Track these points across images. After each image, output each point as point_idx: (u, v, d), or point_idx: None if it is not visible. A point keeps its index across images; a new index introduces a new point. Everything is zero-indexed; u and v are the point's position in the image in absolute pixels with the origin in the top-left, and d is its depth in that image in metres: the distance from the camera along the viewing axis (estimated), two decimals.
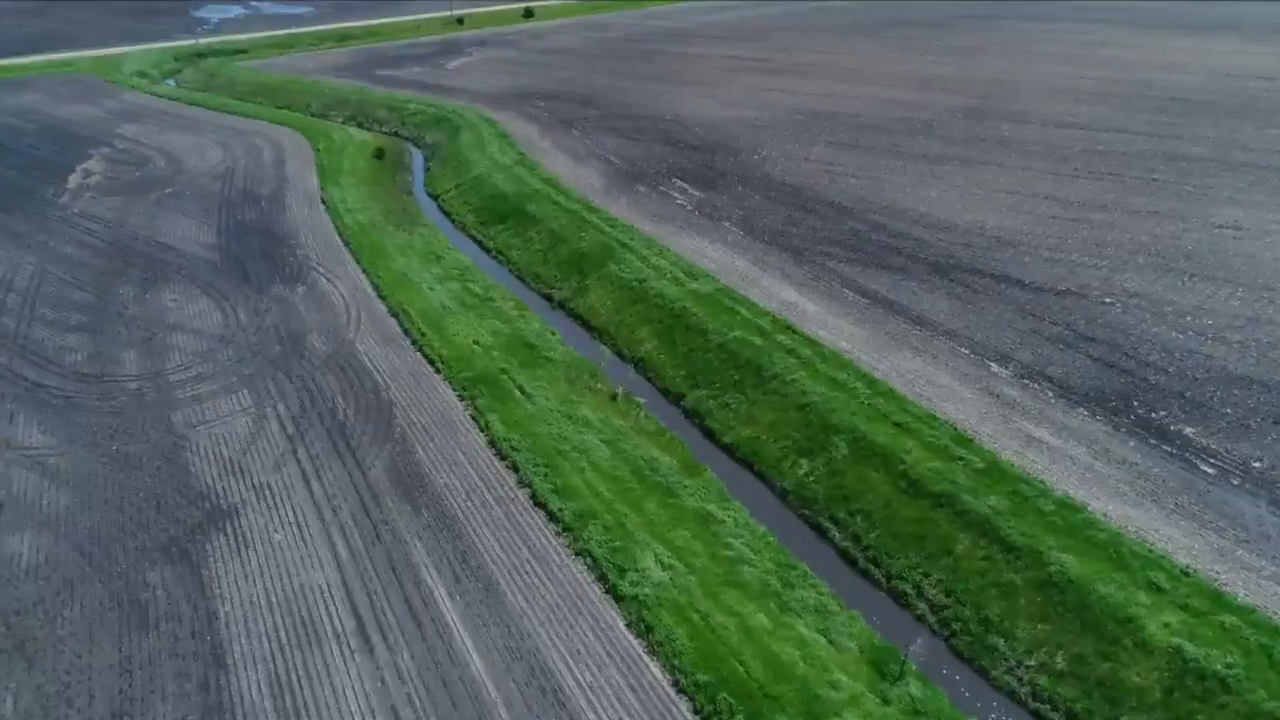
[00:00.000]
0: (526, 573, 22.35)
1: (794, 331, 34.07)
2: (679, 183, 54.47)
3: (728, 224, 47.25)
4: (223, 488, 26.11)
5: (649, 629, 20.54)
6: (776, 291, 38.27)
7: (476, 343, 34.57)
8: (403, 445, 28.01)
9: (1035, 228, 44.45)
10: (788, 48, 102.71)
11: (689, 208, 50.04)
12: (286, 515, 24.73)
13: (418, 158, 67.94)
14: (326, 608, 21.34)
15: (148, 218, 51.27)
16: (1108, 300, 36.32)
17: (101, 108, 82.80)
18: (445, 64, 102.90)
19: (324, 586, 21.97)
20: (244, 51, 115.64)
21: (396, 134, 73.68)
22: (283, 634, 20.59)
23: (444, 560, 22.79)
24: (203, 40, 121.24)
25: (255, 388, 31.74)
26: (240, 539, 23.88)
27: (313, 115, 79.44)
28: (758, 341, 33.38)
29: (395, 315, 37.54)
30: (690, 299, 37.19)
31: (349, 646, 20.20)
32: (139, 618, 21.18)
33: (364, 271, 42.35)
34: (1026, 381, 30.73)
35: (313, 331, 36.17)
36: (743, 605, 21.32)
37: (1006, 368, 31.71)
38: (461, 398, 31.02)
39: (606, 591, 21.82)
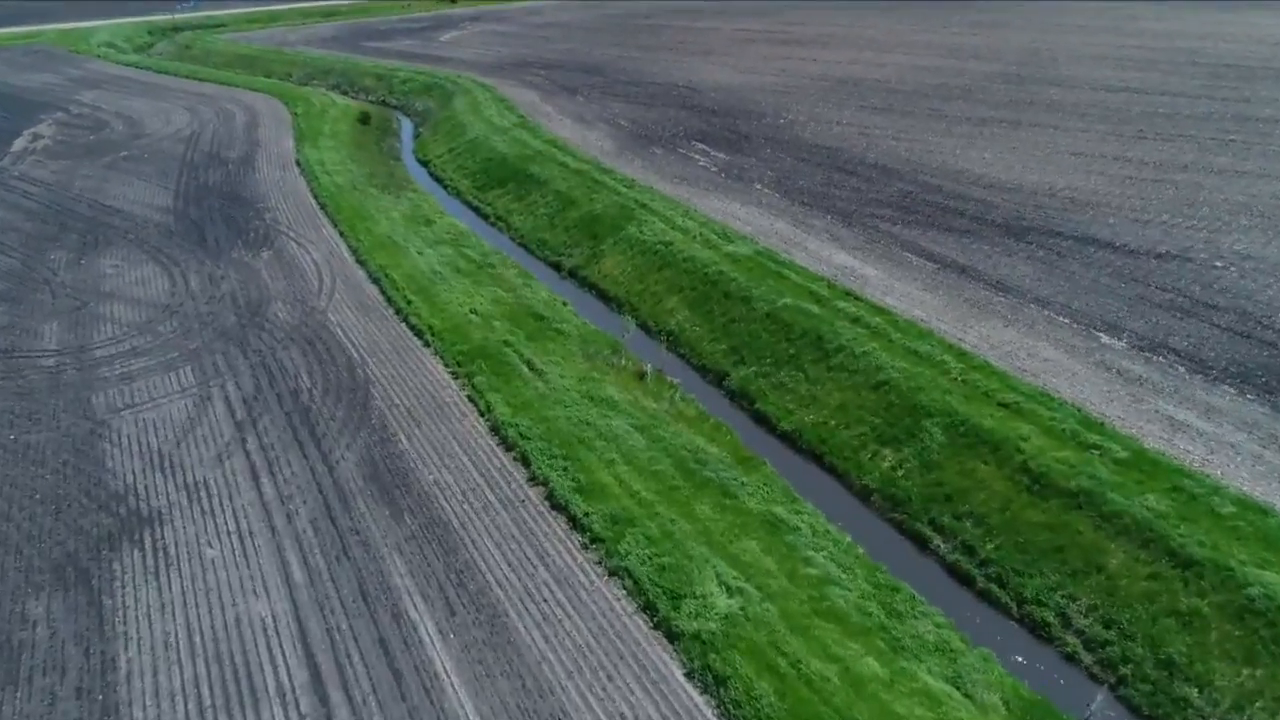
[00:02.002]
0: (545, 600, 16.56)
1: (857, 298, 28.41)
2: (699, 145, 48.75)
3: (759, 186, 41.59)
4: (146, 487, 20.17)
5: (720, 681, 14.79)
6: (827, 255, 32.61)
7: (474, 311, 28.70)
8: (381, 432, 22.16)
9: (1112, 188, 39.03)
10: (802, 21, 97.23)
11: (713, 170, 44.33)
12: (225, 523, 18.83)
13: (407, 126, 61.89)
14: (270, 652, 15.48)
15: (97, 181, 45.03)
16: (1219, 264, 30.86)
17: (62, 75, 76.24)
18: (437, 37, 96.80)
19: (268, 621, 16.11)
20: (222, 25, 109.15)
21: (384, 103, 67.64)
22: (205, 691, 14.71)
23: (433, 583, 16.98)
24: (179, 14, 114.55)
25: (201, 364, 25.78)
26: (161, 555, 17.96)
27: (294, 84, 73.31)
28: (815, 309, 27.69)
29: (376, 281, 31.60)
30: (727, 263, 31.45)
31: (298, 709, 14.36)
32: (6, 667, 15.24)
33: (341, 235, 36.36)
34: (1149, 355, 25.18)
35: (276, 300, 30.19)
36: (843, 645, 15.61)
37: (1120, 339, 26.16)
38: (456, 375, 25.15)
39: (655, 626, 16.05)
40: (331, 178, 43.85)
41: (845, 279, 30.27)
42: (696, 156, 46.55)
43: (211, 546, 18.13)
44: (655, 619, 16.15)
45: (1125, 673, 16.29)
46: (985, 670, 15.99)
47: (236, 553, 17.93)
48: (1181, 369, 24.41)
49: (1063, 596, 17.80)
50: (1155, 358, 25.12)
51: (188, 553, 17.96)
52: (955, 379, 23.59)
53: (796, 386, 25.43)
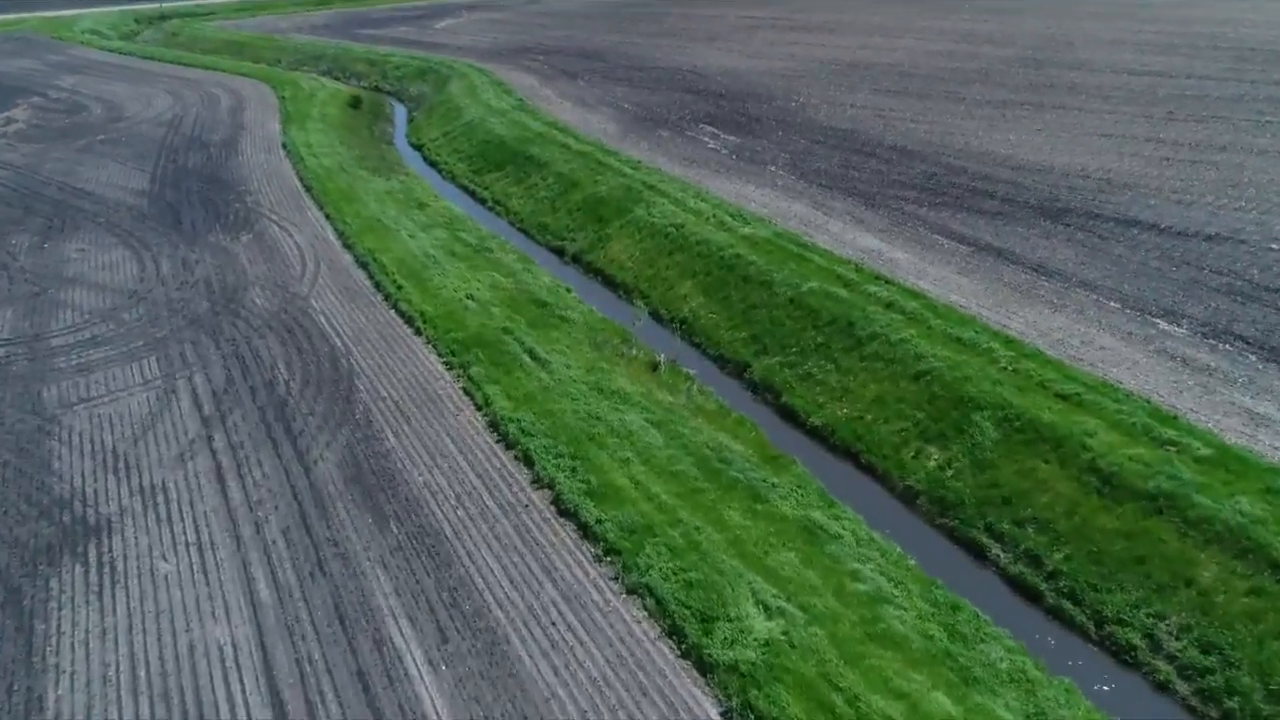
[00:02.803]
0: (553, 624, 14.18)
1: (888, 282, 26.07)
2: (708, 128, 46.37)
3: (773, 168, 39.24)
4: (95, 491, 17.73)
5: None
6: (851, 238, 30.27)
7: (470, 297, 26.28)
8: (366, 429, 19.74)
9: (1149, 169, 36.76)
10: (807, 9, 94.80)
11: (724, 152, 41.96)
12: (184, 533, 16.41)
13: (400, 111, 59.40)
14: (228, 687, 13.07)
15: (69, 164, 42.45)
16: (1275, 246, 28.51)
17: (42, 61, 73.49)
18: (433, 24, 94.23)
19: (228, 649, 13.70)
20: (212, 14, 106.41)
21: (377, 88, 65.05)
22: None
23: (422, 603, 14.59)
24: (167, 2, 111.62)
25: (167, 354, 23.31)
26: (107, 571, 15.54)
27: (283, 69, 70.65)
28: (843, 294, 25.35)
29: (364, 265, 29.15)
30: (744, 246, 29.09)
31: None
32: None
33: (327, 218, 33.86)
34: (1213, 342, 22.90)
35: (254, 285, 27.72)
36: (906, 676, 13.27)
37: (1179, 325, 23.88)
38: (450, 365, 22.72)
39: (684, 655, 13.68)
40: (319, 160, 41.34)
41: (873, 262, 27.93)
42: (705, 139, 44.18)
43: (166, 560, 15.70)
44: (683, 646, 13.77)
45: (1231, 706, 13.97)
46: (1070, 704, 13.66)
47: (194, 567, 15.50)
48: (1252, 357, 22.10)
49: (1148, 615, 15.48)
50: (1221, 345, 22.83)
51: (138, 568, 15.53)
52: (1005, 368, 21.26)
53: (826, 378, 23.09)
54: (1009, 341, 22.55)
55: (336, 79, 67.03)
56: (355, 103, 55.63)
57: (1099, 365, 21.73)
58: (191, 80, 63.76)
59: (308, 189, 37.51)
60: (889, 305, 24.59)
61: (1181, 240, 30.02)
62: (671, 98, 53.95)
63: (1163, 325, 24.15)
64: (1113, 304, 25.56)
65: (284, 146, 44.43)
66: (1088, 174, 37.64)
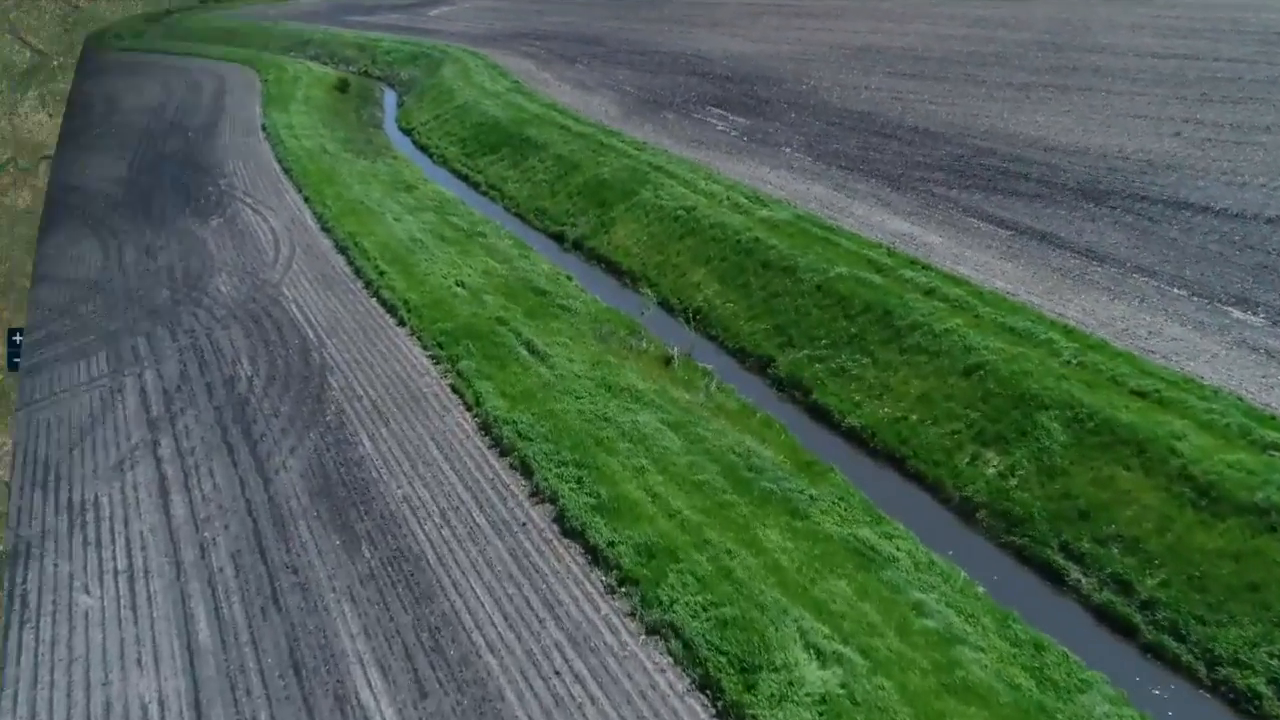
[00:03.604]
0: (557, 673, 11.56)
1: (925, 267, 23.51)
2: (716, 110, 43.71)
3: (788, 149, 36.64)
4: (17, 509, 15.06)
5: None
6: (878, 221, 27.70)
7: (460, 284, 23.63)
8: (338, 432, 17.10)
9: (1192, 150, 34.26)
10: None
11: (734, 134, 39.33)
12: (114, 558, 13.76)
13: (390, 96, 56.67)
14: None
15: None
16: None
17: None
18: (425, 11, 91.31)
19: (153, 708, 11.06)
20: (201, 3, 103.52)
21: (366, 73, 62.23)
22: None
23: (397, 647, 11.96)
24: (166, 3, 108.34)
25: (118, 348, 20.63)
26: (16, 608, 12.86)
27: (270, 55, 67.78)
28: (876, 280, 22.77)
29: (343, 250, 26.46)
30: (763, 229, 26.48)
31: None
32: None
33: (306, 200, 31.16)
34: None
35: (221, 272, 25.03)
36: None
37: (1255, 313, 21.33)
38: (436, 359, 20.07)
39: (721, 715, 11.07)
40: (300, 142, 38.60)
41: (906, 246, 25.32)
42: (713, 121, 41.54)
43: (88, 592, 13.05)
44: (720, 703, 11.17)
45: None
46: None
47: (122, 602, 12.85)
48: None
49: (1271, 655, 12.93)
50: None
51: (54, 603, 12.87)
52: (1069, 362, 18.69)
53: (862, 373, 20.49)
54: (1069, 331, 19.99)
55: (325, 64, 64.24)
56: (342, 86, 52.89)
57: (1174, 358, 19.19)
58: (176, 68, 60.92)
59: (286, 171, 34.77)
60: (929, 292, 22.00)
61: (1240, 223, 27.49)
62: (675, 81, 51.32)
63: (1236, 314, 21.58)
64: (1176, 290, 23.00)
65: (264, 129, 41.70)
66: (1126, 155, 35.08)
